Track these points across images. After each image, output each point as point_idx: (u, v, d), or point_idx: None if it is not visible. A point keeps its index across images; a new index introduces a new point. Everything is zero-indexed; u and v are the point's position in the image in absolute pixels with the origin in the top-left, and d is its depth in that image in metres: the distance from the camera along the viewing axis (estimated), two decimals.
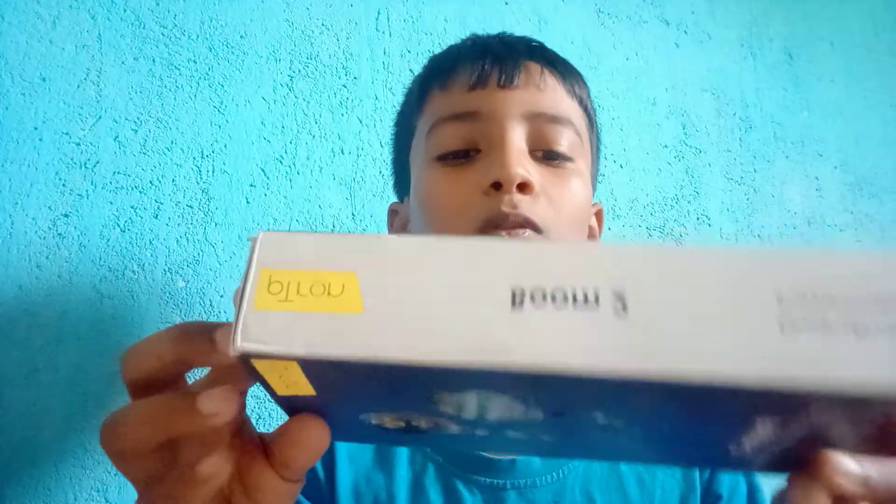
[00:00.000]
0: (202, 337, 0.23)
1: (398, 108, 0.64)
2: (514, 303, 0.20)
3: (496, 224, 0.46)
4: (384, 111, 0.78)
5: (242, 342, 0.20)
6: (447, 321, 0.20)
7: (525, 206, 0.46)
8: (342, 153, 0.75)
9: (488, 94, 0.50)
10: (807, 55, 1.07)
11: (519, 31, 0.88)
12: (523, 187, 0.46)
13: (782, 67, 1.05)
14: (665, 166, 0.92)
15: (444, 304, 0.20)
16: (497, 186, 0.47)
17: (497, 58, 0.51)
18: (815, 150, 1.04)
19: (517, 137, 0.49)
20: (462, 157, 0.50)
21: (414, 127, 0.56)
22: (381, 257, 0.21)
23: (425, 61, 0.60)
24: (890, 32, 1.16)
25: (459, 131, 0.50)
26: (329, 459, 0.52)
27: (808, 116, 1.05)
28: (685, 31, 0.99)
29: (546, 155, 0.50)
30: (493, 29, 0.86)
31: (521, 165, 0.47)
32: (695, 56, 0.98)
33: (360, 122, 0.77)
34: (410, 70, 0.79)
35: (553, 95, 0.51)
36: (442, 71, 0.54)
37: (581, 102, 0.55)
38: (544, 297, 0.20)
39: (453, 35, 0.83)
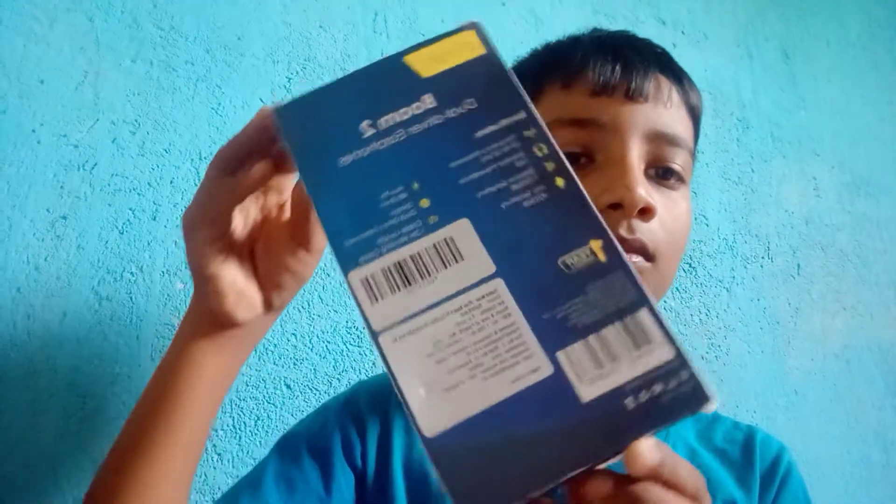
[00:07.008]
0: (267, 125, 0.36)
1: None
2: None
3: None
4: None
5: None
6: None
7: (642, 231, 0.46)
8: None
9: (614, 103, 0.48)
10: (803, 54, 1.08)
11: (515, 31, 0.88)
12: (644, 212, 0.45)
13: (779, 67, 1.05)
14: None
15: None
16: (616, 207, 0.45)
17: (627, 64, 0.49)
18: (813, 150, 1.04)
19: (637, 156, 0.47)
20: (572, 162, 0.47)
21: None
22: None
23: (539, 47, 0.56)
24: (886, 31, 1.16)
25: (576, 137, 0.47)
26: (385, 431, 0.51)
27: (804, 116, 1.05)
28: (682, 31, 0.99)
29: (658, 174, 0.49)
30: (492, 28, 0.86)
31: (645, 188, 0.46)
32: (691, 56, 0.99)
33: None
34: None
35: (677, 115, 0.50)
36: (565, 67, 0.51)
37: (696, 120, 0.53)
38: None
39: None
